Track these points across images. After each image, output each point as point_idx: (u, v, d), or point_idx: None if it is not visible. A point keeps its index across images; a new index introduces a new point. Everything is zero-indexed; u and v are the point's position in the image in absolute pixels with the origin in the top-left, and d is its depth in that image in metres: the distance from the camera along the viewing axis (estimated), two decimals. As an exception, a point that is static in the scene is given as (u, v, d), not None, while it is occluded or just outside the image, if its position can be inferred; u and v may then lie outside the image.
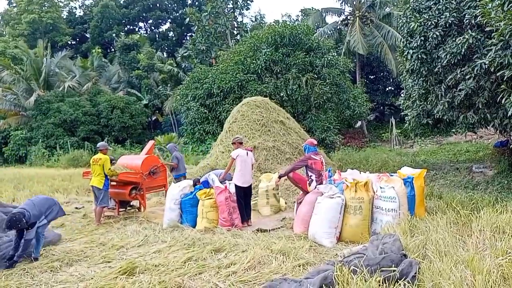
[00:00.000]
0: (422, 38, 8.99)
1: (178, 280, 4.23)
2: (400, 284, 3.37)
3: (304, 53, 17.53)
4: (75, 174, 14.95)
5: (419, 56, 9.15)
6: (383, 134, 24.16)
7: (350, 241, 5.55)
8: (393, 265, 3.55)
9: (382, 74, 29.63)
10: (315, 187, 6.48)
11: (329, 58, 17.64)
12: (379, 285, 3.31)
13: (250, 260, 4.70)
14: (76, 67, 31.41)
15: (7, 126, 27.03)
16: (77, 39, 44.31)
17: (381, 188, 5.84)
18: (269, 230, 6.54)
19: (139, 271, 4.53)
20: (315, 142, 7.06)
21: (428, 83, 9.72)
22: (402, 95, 12.43)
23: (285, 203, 8.57)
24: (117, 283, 4.12)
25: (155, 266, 4.72)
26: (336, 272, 3.46)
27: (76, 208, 9.35)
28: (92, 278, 4.37)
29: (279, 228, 6.77)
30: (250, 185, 7.26)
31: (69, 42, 42.33)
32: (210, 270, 4.60)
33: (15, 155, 26.24)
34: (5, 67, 27.96)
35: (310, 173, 6.66)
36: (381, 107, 30.19)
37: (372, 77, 30.18)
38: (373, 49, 25.52)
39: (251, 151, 7.48)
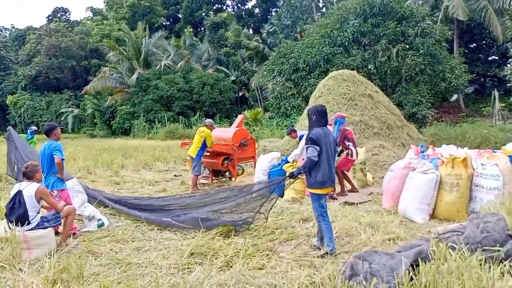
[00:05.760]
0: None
1: (269, 245, 4.51)
2: (505, 265, 3.18)
3: (396, 23, 16.49)
4: (172, 145, 16.27)
5: (535, 18, 8.06)
6: (483, 109, 21.93)
7: (445, 219, 5.32)
8: (497, 245, 3.35)
9: (484, 42, 26.53)
10: (356, 153, 7.20)
11: (423, 27, 16.37)
12: (480, 264, 3.17)
13: (338, 230, 4.79)
14: (170, 46, 33.49)
15: (114, 102, 30.09)
16: (171, 20, 46.92)
17: (482, 165, 5.44)
18: (357, 204, 6.53)
19: (233, 234, 4.90)
20: (344, 115, 7.64)
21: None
22: (509, 65, 11.09)
23: (373, 177, 8.41)
24: (215, 243, 4.51)
25: (248, 230, 5.06)
26: (432, 247, 3.38)
27: (175, 175, 10.25)
28: (193, 238, 4.84)
29: (366, 202, 6.72)
30: None
31: (164, 23, 45.03)
32: (299, 238, 4.80)
33: (121, 128, 29.30)
34: (111, 48, 30.99)
35: (347, 143, 7.14)
36: (482, 79, 27.24)
37: (472, 45, 27.22)
38: (475, 14, 22.85)
39: (330, 125, 7.51)
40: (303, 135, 8.06)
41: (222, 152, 8.55)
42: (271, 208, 5.14)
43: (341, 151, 7.42)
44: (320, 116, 4.28)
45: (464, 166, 5.37)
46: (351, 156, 7.20)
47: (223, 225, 4.99)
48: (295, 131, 8.32)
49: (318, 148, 4.11)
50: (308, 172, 4.25)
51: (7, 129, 9.06)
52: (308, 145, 4.17)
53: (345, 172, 7.42)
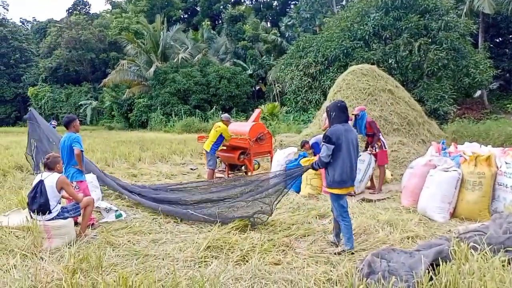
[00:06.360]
0: None
1: (286, 240, 4.48)
2: (529, 266, 3.08)
3: (418, 16, 16.12)
4: (188, 138, 16.36)
5: None
6: (508, 105, 21.25)
7: (466, 218, 5.20)
8: (520, 246, 3.25)
9: (511, 36, 25.66)
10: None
11: (447, 20, 15.95)
12: (503, 265, 3.07)
13: (355, 228, 4.72)
14: (188, 39, 33.57)
15: (132, 95, 30.40)
16: (189, 13, 47.06)
17: (506, 163, 5.27)
18: (375, 201, 6.44)
19: (249, 229, 4.89)
20: (365, 107, 7.55)
21: None
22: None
23: (391, 175, 8.27)
24: (231, 238, 4.51)
25: (264, 225, 5.04)
26: (453, 247, 3.30)
27: (191, 169, 10.31)
28: (209, 231, 4.86)
29: (385, 199, 6.62)
30: None
31: (182, 16, 45.21)
32: (315, 234, 4.75)
33: (138, 120, 29.62)
34: (129, 41, 31.22)
35: (377, 134, 7.03)
36: (507, 74, 26.33)
37: (498, 40, 26.32)
38: (501, 8, 22.12)
39: (350, 120, 7.39)
40: (315, 142, 7.92)
41: (239, 146, 8.54)
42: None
43: (367, 146, 7.29)
44: (340, 112, 4.11)
45: (487, 164, 5.22)
46: (385, 147, 7.15)
47: (239, 220, 4.99)
48: (307, 142, 8.20)
49: (331, 146, 3.96)
50: (326, 170, 4.14)
51: (29, 109, 9.25)
52: (322, 143, 4.05)
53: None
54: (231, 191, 5.63)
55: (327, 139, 3.99)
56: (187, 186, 6.49)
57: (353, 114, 7.12)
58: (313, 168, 4.32)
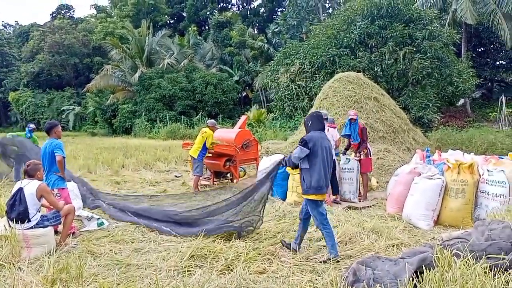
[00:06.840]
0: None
1: (271, 248, 4.44)
2: (510, 273, 3.12)
3: (403, 25, 16.42)
4: (173, 145, 16.22)
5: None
6: (490, 114, 21.77)
7: (449, 225, 5.25)
8: (502, 253, 3.28)
9: (492, 46, 26.32)
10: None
11: (431, 30, 16.29)
12: (485, 272, 3.11)
13: (341, 235, 4.72)
14: (174, 45, 33.39)
15: (116, 100, 29.95)
16: (175, 18, 46.92)
17: (488, 171, 5.36)
18: (360, 208, 6.46)
19: (234, 238, 4.82)
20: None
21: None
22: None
23: (377, 182, 8.32)
24: (216, 246, 4.44)
25: (249, 234, 4.99)
26: (436, 254, 3.32)
27: (176, 176, 10.20)
28: (193, 240, 4.77)
29: (370, 207, 6.65)
30: (333, 161, 7.22)
31: (168, 22, 45.04)
32: (301, 242, 4.72)
33: (122, 127, 29.19)
34: (114, 46, 30.88)
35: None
36: (489, 84, 27.02)
37: (480, 49, 26.99)
38: (483, 18, 22.71)
39: (334, 128, 7.43)
40: None
41: (224, 153, 8.48)
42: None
43: (347, 148, 7.37)
44: (317, 120, 4.22)
45: (470, 172, 5.30)
46: (370, 154, 7.27)
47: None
48: None
49: (306, 151, 4.02)
50: (301, 177, 4.18)
51: None
52: (298, 145, 4.13)
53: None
54: (216, 213, 5.41)
55: (304, 142, 4.06)
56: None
57: (350, 118, 7.12)
58: (282, 163, 4.49)
